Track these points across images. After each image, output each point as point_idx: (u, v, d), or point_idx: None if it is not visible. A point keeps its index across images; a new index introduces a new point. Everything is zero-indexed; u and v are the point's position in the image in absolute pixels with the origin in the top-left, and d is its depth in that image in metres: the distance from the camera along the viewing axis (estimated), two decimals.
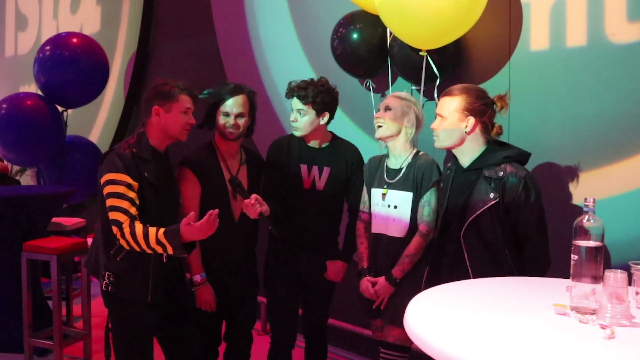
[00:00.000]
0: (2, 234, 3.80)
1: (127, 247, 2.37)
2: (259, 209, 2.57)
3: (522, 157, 2.36)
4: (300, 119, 2.78)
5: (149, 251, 2.35)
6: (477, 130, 2.34)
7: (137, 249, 2.35)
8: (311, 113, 2.77)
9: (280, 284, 2.91)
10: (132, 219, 2.35)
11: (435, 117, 2.44)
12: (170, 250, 2.32)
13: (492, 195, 2.25)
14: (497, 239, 2.27)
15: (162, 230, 2.33)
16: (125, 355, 2.54)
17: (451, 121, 2.33)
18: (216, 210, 2.31)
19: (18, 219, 3.83)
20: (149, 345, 2.56)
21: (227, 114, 2.74)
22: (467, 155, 2.37)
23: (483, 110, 2.33)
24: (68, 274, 4.28)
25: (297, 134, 2.82)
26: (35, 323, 3.68)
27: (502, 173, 2.27)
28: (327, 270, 2.91)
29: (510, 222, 2.26)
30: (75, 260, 4.77)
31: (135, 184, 2.40)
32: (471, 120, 2.32)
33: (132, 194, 2.38)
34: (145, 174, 2.45)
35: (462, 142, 2.35)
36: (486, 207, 2.25)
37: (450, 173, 2.45)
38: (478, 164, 2.34)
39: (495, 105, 2.36)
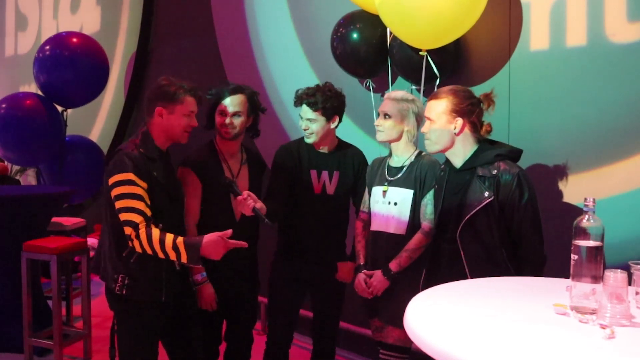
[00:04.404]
0: (2, 234, 3.80)
1: (138, 249, 2.34)
2: (252, 204, 2.56)
3: (514, 154, 2.36)
4: (311, 126, 2.80)
5: (161, 255, 2.34)
6: (466, 130, 2.34)
7: (149, 251, 2.33)
8: (321, 120, 2.79)
9: (285, 286, 2.92)
10: (148, 220, 2.34)
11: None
12: (184, 259, 2.33)
13: (486, 194, 2.25)
14: (493, 237, 2.27)
15: (180, 238, 2.34)
16: (131, 356, 2.53)
17: (440, 124, 2.34)
18: (229, 232, 2.38)
19: (18, 219, 3.83)
20: (155, 347, 2.55)
21: (223, 113, 2.74)
22: (459, 156, 2.38)
23: (470, 110, 2.33)
24: (68, 274, 4.29)
25: (310, 141, 2.83)
26: (35, 323, 3.68)
27: (495, 171, 2.27)
28: (337, 272, 2.92)
29: (505, 220, 2.27)
30: (75, 260, 4.77)
31: (145, 184, 2.38)
32: (459, 121, 2.32)
33: (144, 195, 2.36)
34: (155, 173, 2.43)
35: (452, 143, 2.36)
36: (481, 205, 2.25)
37: (444, 174, 2.46)
38: (471, 164, 2.34)
39: (482, 104, 2.36)
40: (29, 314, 3.60)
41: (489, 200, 2.25)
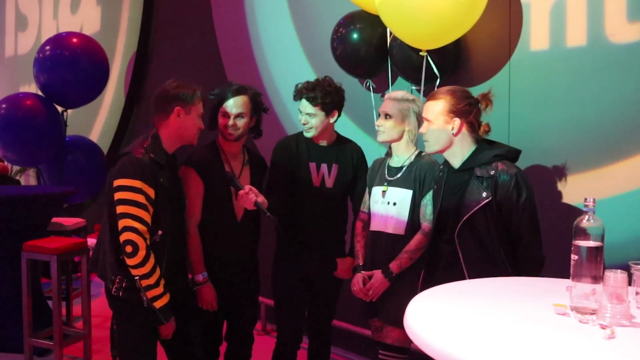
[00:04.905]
0: (2, 234, 3.80)
1: (132, 259, 2.31)
2: (254, 198, 2.57)
3: (512, 154, 2.36)
4: (310, 120, 2.80)
5: (146, 282, 2.34)
6: (464, 130, 2.34)
7: (142, 268, 2.33)
8: (321, 114, 2.79)
9: (289, 285, 2.91)
10: (150, 230, 2.35)
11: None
12: (160, 302, 2.38)
13: (484, 194, 2.25)
14: (491, 238, 2.27)
15: (168, 293, 2.41)
16: (131, 356, 2.53)
17: (437, 124, 2.34)
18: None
19: (18, 219, 3.83)
20: (153, 346, 2.55)
21: (226, 114, 2.74)
22: (457, 156, 2.37)
23: (468, 110, 2.33)
24: (68, 274, 4.29)
25: (309, 135, 2.83)
26: (35, 323, 3.68)
27: (493, 172, 2.26)
28: (337, 268, 2.92)
29: (503, 220, 2.27)
30: (75, 260, 4.77)
31: (151, 191, 2.38)
32: (457, 121, 2.32)
33: (147, 204, 2.36)
34: (161, 179, 2.43)
35: (450, 144, 2.35)
36: (479, 206, 2.25)
37: (443, 175, 2.45)
38: (469, 164, 2.34)
39: (480, 104, 2.36)
40: (29, 314, 3.60)
41: (487, 200, 2.24)
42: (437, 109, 2.34)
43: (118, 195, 2.36)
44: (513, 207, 2.24)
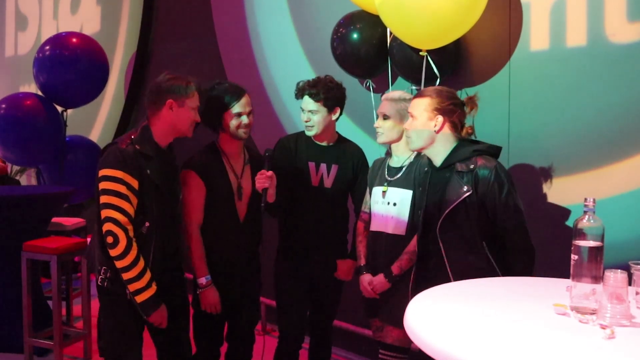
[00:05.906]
0: (2, 234, 3.80)
1: (115, 249, 2.32)
2: (266, 184, 2.60)
3: (492, 150, 2.37)
4: (313, 118, 2.79)
5: (127, 275, 2.34)
6: (447, 129, 2.35)
7: (120, 264, 2.33)
8: (323, 111, 2.79)
9: (291, 285, 2.91)
10: (132, 222, 2.35)
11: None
12: (143, 297, 2.37)
13: (465, 188, 2.26)
14: (472, 231, 2.27)
15: (155, 285, 2.40)
16: (114, 349, 2.53)
17: (421, 120, 2.35)
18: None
19: (18, 219, 3.83)
20: (137, 337, 2.55)
21: (240, 115, 2.74)
22: (439, 154, 2.38)
23: (452, 109, 2.34)
24: (68, 274, 4.29)
25: (311, 133, 2.83)
26: (35, 323, 3.68)
27: (472, 166, 2.28)
28: (337, 269, 2.92)
29: (487, 215, 2.27)
30: (75, 260, 4.77)
31: (135, 181, 2.38)
32: (440, 118, 2.33)
33: (130, 194, 2.36)
34: (148, 171, 2.43)
35: (432, 141, 2.36)
36: (460, 200, 2.26)
37: (427, 175, 2.46)
38: (450, 161, 2.35)
39: (465, 107, 2.37)
40: (29, 314, 3.60)
41: (468, 194, 2.25)
42: (422, 106, 2.36)
43: (101, 186, 2.38)
44: (496, 200, 2.25)
